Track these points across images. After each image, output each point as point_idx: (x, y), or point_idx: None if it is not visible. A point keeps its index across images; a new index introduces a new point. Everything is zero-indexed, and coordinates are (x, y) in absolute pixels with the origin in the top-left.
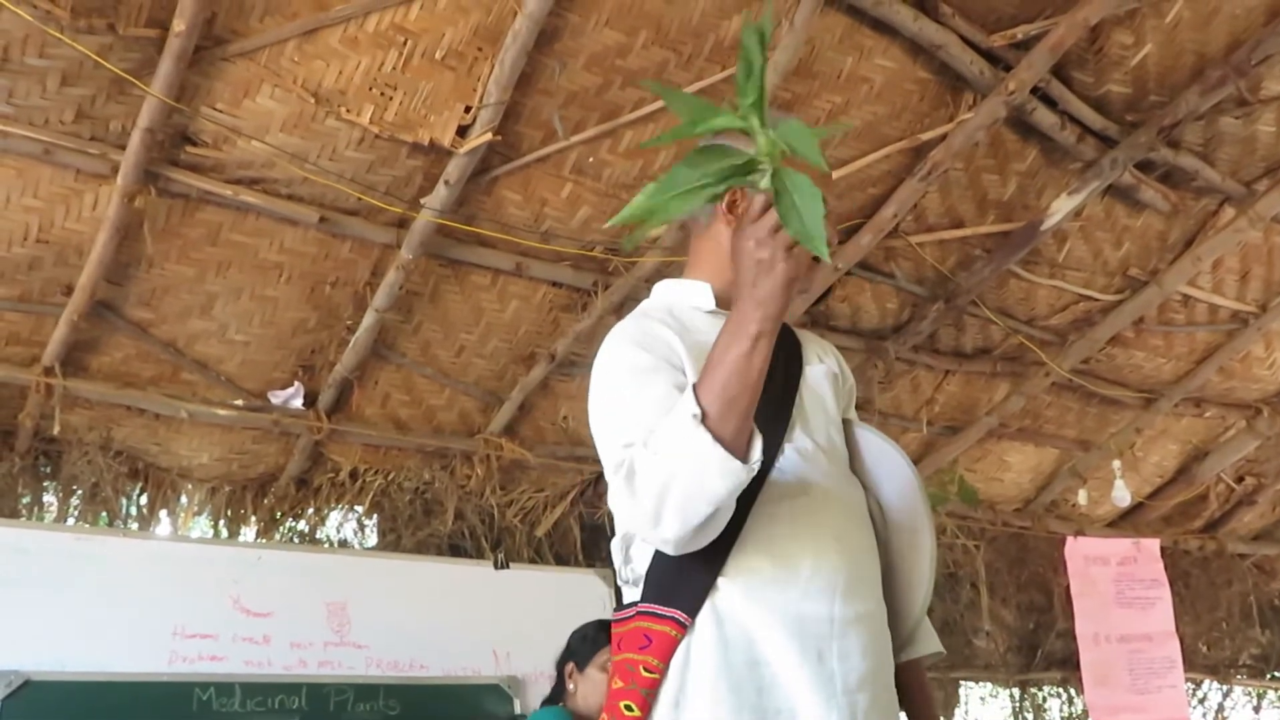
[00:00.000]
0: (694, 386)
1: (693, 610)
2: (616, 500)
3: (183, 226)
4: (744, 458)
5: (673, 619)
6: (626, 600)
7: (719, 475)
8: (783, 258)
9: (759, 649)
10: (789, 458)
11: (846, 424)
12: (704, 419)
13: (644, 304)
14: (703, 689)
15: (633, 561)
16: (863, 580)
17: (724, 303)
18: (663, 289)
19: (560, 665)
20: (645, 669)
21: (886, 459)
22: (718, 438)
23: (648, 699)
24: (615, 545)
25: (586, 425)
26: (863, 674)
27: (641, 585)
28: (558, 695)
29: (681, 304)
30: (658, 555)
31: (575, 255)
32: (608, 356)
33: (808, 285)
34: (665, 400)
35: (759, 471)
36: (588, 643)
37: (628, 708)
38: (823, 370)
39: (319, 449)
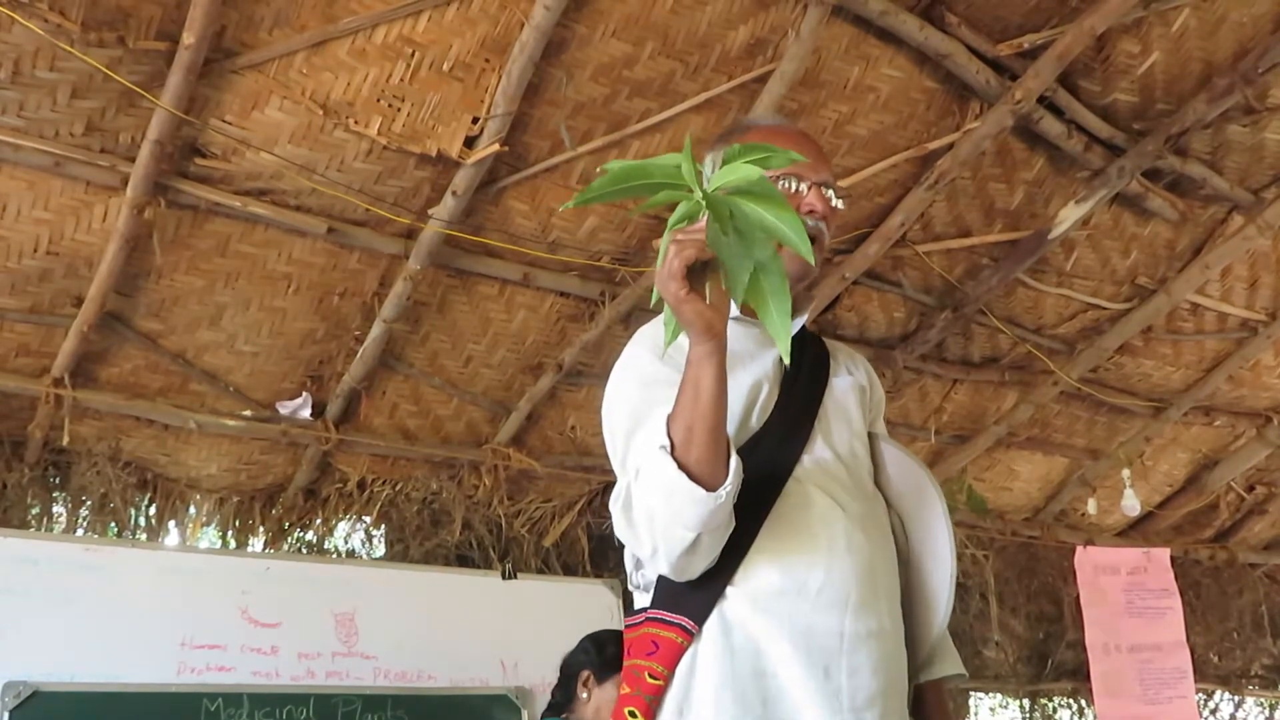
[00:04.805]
0: (667, 417)
1: (700, 617)
2: (619, 532)
3: (192, 238)
4: (712, 484)
5: (680, 626)
6: (637, 606)
7: (689, 503)
8: (678, 291)
9: (765, 660)
10: (807, 468)
11: (872, 438)
12: (672, 450)
13: None
14: (707, 697)
15: (644, 567)
16: (878, 596)
17: (749, 309)
18: None
19: (573, 670)
20: (651, 675)
21: (910, 474)
22: (682, 467)
23: (652, 706)
24: (627, 551)
25: (594, 435)
26: (872, 692)
27: (652, 591)
28: (561, 705)
29: None
30: None
31: (582, 265)
32: (625, 361)
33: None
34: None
35: (774, 480)
36: (608, 653)
37: (631, 714)
38: (850, 382)
39: (327, 459)
